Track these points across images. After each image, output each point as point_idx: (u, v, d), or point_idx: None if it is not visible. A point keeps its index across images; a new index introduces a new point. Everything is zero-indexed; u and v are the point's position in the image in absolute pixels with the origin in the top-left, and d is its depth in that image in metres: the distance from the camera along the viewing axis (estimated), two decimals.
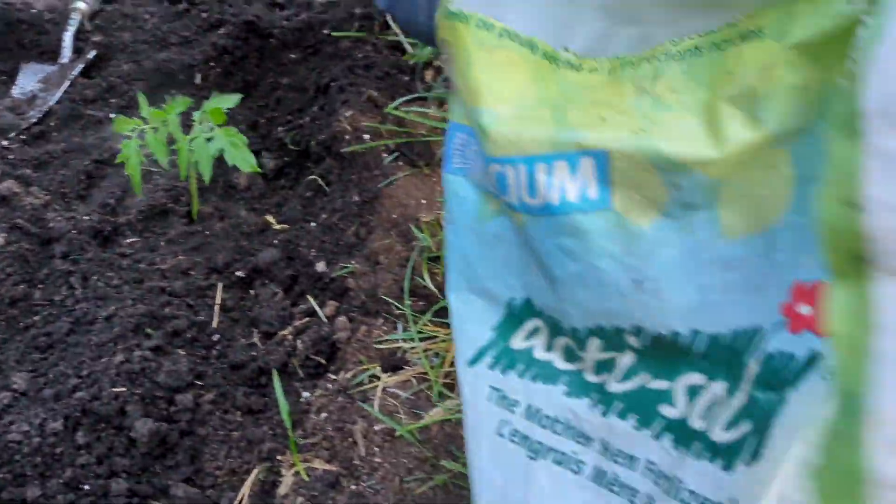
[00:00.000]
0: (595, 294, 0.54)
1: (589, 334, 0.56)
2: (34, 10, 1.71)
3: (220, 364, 1.01)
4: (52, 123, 1.48)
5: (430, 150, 1.26)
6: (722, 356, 0.50)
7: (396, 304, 1.03)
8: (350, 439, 0.90)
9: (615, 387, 0.56)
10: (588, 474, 0.56)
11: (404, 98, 1.34)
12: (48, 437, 0.88)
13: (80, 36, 1.66)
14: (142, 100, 1.18)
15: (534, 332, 0.61)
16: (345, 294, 1.08)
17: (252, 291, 1.13)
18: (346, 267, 1.10)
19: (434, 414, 0.91)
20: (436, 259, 1.08)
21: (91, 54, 1.62)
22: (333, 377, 0.97)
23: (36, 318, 1.07)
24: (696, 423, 0.51)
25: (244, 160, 1.13)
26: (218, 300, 1.10)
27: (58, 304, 1.08)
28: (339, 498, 0.84)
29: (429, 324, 1.00)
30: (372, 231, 1.14)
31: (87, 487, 0.85)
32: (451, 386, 0.94)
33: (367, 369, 0.96)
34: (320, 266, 1.13)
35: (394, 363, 0.97)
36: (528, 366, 0.60)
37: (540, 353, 0.60)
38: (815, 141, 0.43)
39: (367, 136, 1.28)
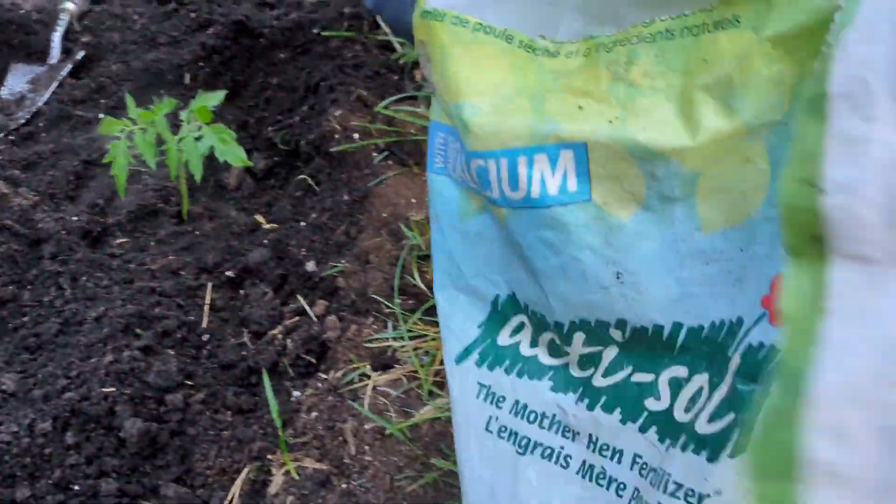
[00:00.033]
0: (576, 287, 0.54)
1: (573, 328, 0.57)
2: (22, 11, 1.70)
3: (210, 364, 1.01)
4: (40, 124, 1.48)
5: (419, 150, 1.26)
6: (704, 349, 0.50)
7: (386, 302, 1.04)
8: (340, 438, 0.90)
9: (600, 381, 0.56)
10: (576, 468, 0.57)
11: (394, 97, 1.34)
12: (37, 438, 0.88)
13: (68, 36, 1.65)
14: (129, 101, 1.18)
15: (519, 328, 0.61)
16: (335, 293, 1.08)
17: (242, 291, 1.13)
18: (335, 266, 1.10)
19: (424, 412, 0.91)
20: (425, 258, 1.08)
21: (80, 55, 1.61)
22: (324, 376, 0.97)
23: (25, 318, 1.07)
24: (681, 416, 0.51)
25: (235, 155, 1.13)
26: (208, 300, 1.10)
27: (47, 304, 1.08)
28: (330, 497, 0.84)
29: (419, 322, 1.01)
30: (362, 230, 1.14)
31: (76, 488, 0.85)
32: (441, 384, 0.94)
33: (358, 368, 0.96)
34: (310, 265, 1.13)
35: (384, 362, 0.97)
36: (515, 362, 0.61)
37: (526, 349, 0.61)
38: (790, 134, 0.43)
39: (356, 136, 1.28)
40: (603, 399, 0.55)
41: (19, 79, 1.58)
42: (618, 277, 0.52)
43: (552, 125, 0.53)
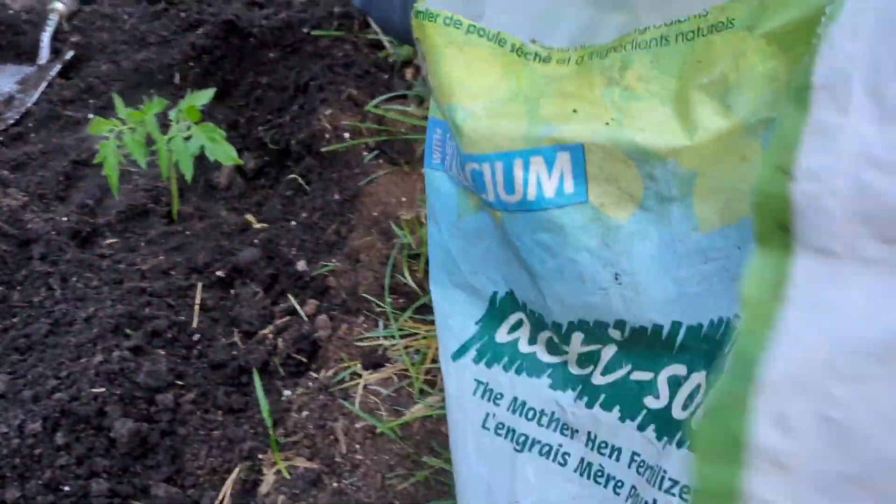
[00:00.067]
0: (574, 289, 0.54)
1: (571, 328, 0.56)
2: (11, 11, 1.70)
3: (201, 364, 1.01)
4: (29, 124, 1.47)
5: (410, 148, 1.26)
6: (702, 347, 0.50)
7: (377, 301, 1.04)
8: (331, 437, 0.90)
9: (599, 379, 0.56)
10: (574, 466, 0.57)
11: (384, 96, 1.34)
12: (27, 439, 0.87)
13: (57, 37, 1.65)
14: (118, 101, 1.17)
15: (517, 325, 0.61)
16: (325, 292, 1.08)
17: (232, 291, 1.13)
18: (326, 265, 1.10)
19: (415, 410, 0.91)
20: (416, 256, 1.08)
21: (69, 55, 1.61)
22: (315, 375, 0.97)
23: (14, 319, 1.06)
24: (679, 414, 0.51)
25: (225, 154, 1.12)
26: (198, 300, 1.10)
27: (36, 305, 1.08)
28: (321, 496, 0.84)
29: (409, 321, 1.01)
30: (352, 229, 1.14)
31: (66, 488, 0.85)
32: (432, 382, 0.94)
33: (349, 367, 0.96)
34: (301, 265, 1.13)
35: (375, 360, 0.97)
36: (513, 359, 0.61)
37: (524, 346, 0.61)
38: None
39: (347, 135, 1.28)
40: (602, 397, 0.55)
41: (8, 79, 1.57)
42: (616, 278, 0.52)
43: (547, 128, 0.53)
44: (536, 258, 0.55)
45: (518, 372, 0.60)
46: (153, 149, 1.17)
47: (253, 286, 1.12)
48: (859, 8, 0.36)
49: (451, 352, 0.63)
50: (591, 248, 0.53)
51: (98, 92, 1.54)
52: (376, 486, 0.85)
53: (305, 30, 1.52)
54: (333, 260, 1.10)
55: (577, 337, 0.56)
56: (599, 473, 0.55)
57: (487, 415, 0.61)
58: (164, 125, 1.19)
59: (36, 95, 1.52)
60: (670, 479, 0.50)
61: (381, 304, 1.03)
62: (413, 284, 1.05)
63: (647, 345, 0.53)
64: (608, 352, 0.55)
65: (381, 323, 1.02)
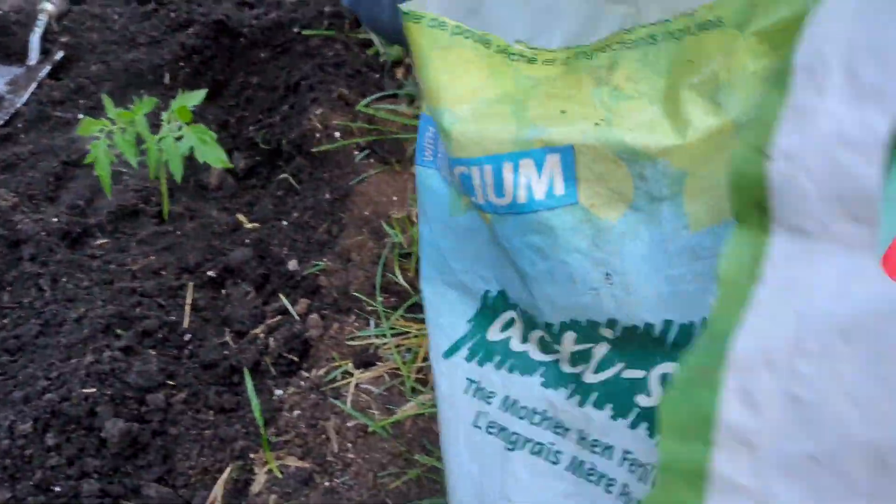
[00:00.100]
0: (565, 290, 0.54)
1: (563, 328, 0.56)
2: (0, 12, 1.69)
3: (192, 363, 1.01)
4: (19, 125, 1.47)
5: (401, 148, 1.26)
6: None
7: (368, 300, 1.04)
8: (323, 436, 0.90)
9: (591, 377, 0.56)
10: (565, 464, 0.57)
11: (375, 96, 1.35)
12: (17, 440, 0.87)
13: (47, 37, 1.64)
14: (107, 101, 1.17)
15: (509, 324, 0.61)
16: (317, 292, 1.08)
17: (224, 291, 1.13)
18: (317, 265, 1.09)
19: (407, 409, 0.91)
20: (407, 255, 1.08)
21: (59, 55, 1.60)
22: (306, 374, 0.97)
23: (5, 320, 1.06)
24: None
25: (215, 156, 1.12)
26: (189, 300, 1.09)
27: (27, 306, 1.08)
28: (313, 495, 0.84)
29: (400, 319, 1.01)
30: (343, 228, 1.14)
31: (57, 489, 0.85)
32: (424, 381, 0.94)
33: (340, 366, 0.96)
34: (292, 264, 1.13)
35: (366, 359, 0.97)
36: (505, 357, 0.60)
37: (517, 345, 0.60)
38: None
39: (337, 135, 1.28)
40: (594, 395, 0.55)
41: None
42: (607, 278, 0.52)
43: (536, 130, 0.52)
44: (527, 260, 0.55)
45: (510, 370, 0.60)
46: (143, 148, 1.17)
47: (244, 286, 1.12)
48: None
49: (442, 350, 0.63)
50: (581, 249, 0.52)
51: (88, 92, 1.53)
52: (368, 485, 0.85)
53: (296, 29, 1.52)
54: (325, 259, 1.10)
55: (569, 336, 0.56)
56: (591, 472, 0.55)
57: (479, 413, 0.61)
58: (155, 125, 1.19)
59: (25, 96, 1.51)
60: None
61: (373, 303, 1.03)
62: (404, 283, 1.05)
63: (638, 343, 0.53)
64: (600, 350, 0.55)
65: (372, 322, 1.02)
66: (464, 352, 0.62)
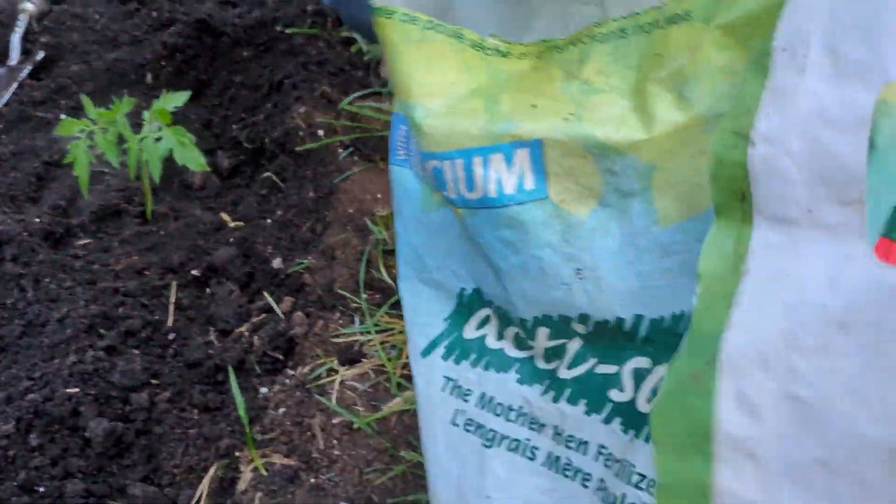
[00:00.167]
0: (538, 284, 0.54)
1: (536, 323, 0.56)
2: None
3: (176, 362, 1.01)
4: (0, 126, 1.46)
5: (384, 145, 1.26)
6: (665, 339, 0.50)
7: (353, 297, 1.04)
8: (308, 433, 0.90)
9: (565, 373, 0.56)
10: (542, 460, 0.57)
11: (358, 93, 1.34)
12: (0, 440, 0.87)
13: (28, 37, 1.63)
14: (86, 101, 1.17)
15: (485, 321, 0.61)
16: (301, 289, 1.08)
17: (208, 290, 1.13)
18: (302, 263, 1.09)
19: (392, 405, 0.91)
20: (391, 252, 1.08)
21: (39, 56, 1.60)
22: (291, 372, 0.97)
23: None
24: (644, 407, 0.51)
25: (193, 159, 1.12)
26: (173, 299, 1.09)
27: (9, 307, 1.07)
28: (299, 492, 0.84)
29: (385, 316, 1.01)
30: (328, 226, 1.14)
31: (42, 489, 0.84)
32: (409, 377, 0.94)
33: (325, 363, 0.96)
34: (276, 262, 1.13)
35: (351, 356, 0.98)
36: (481, 355, 0.61)
37: (492, 342, 0.60)
38: None
39: (321, 133, 1.28)
40: (568, 391, 0.56)
41: None
42: (578, 274, 0.52)
43: (507, 124, 0.52)
44: (499, 255, 0.55)
45: (486, 368, 0.60)
46: (124, 147, 1.16)
47: (229, 285, 1.11)
48: None
49: (420, 349, 0.63)
50: (552, 244, 0.53)
51: (69, 92, 1.53)
52: (354, 481, 0.85)
53: (279, 28, 1.52)
54: (309, 257, 1.10)
55: (543, 332, 0.56)
56: (567, 467, 0.55)
57: (456, 411, 0.61)
58: (137, 125, 1.18)
59: (6, 97, 1.50)
60: (639, 473, 0.50)
61: (357, 301, 1.03)
62: (389, 280, 1.05)
63: (610, 338, 0.53)
64: (573, 346, 0.55)
65: (356, 319, 1.02)
66: (441, 350, 0.62)
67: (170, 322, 1.06)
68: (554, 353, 0.57)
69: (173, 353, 1.02)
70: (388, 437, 0.89)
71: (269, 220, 1.23)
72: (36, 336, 1.01)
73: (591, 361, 0.54)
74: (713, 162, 0.36)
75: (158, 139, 1.14)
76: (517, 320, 0.58)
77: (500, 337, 0.60)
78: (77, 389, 0.91)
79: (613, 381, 0.53)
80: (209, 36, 1.53)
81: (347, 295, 1.04)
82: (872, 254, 0.33)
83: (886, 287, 0.31)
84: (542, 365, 0.57)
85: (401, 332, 0.99)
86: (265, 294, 1.08)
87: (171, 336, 1.04)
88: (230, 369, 0.97)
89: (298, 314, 1.03)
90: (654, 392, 0.51)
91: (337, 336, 1.00)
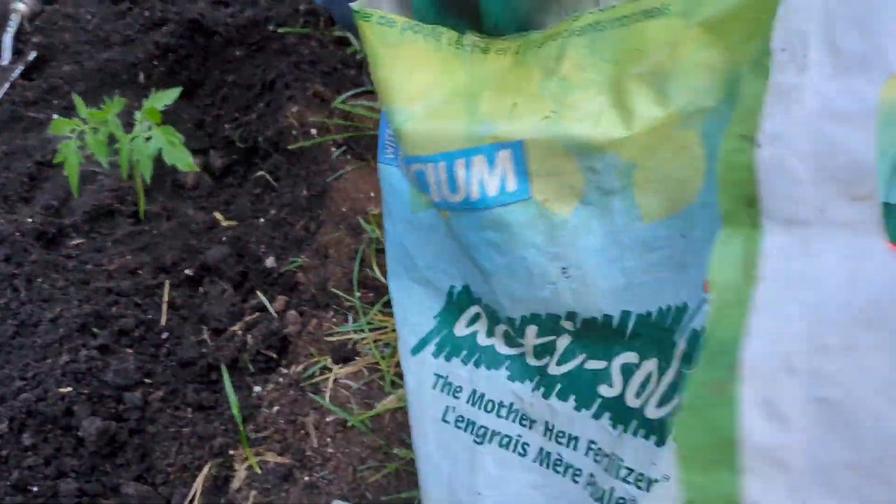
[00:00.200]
0: (524, 285, 0.54)
1: (525, 322, 0.57)
2: None
3: (170, 361, 1.00)
4: None
5: (377, 144, 1.26)
6: (652, 335, 0.51)
7: (346, 296, 1.04)
8: (302, 431, 0.90)
9: (555, 369, 0.56)
10: (533, 456, 0.57)
11: (351, 92, 1.34)
12: None
13: (19, 37, 1.63)
14: (78, 101, 1.17)
15: (475, 319, 0.61)
16: (294, 288, 1.08)
17: (201, 289, 1.12)
18: (295, 261, 1.09)
19: (386, 403, 0.91)
20: (384, 251, 1.09)
21: (31, 56, 1.59)
22: (285, 371, 0.97)
23: None
24: (632, 401, 0.52)
25: (181, 159, 1.13)
26: (166, 298, 1.09)
27: (2, 307, 1.07)
28: (293, 490, 0.84)
29: (379, 314, 1.01)
30: (321, 225, 1.14)
31: (35, 489, 0.84)
32: (403, 375, 0.94)
33: (319, 362, 0.97)
34: (270, 261, 1.13)
35: (345, 355, 0.98)
36: (472, 352, 0.61)
37: (483, 339, 0.61)
38: (722, 119, 0.43)
39: (314, 131, 1.28)
40: (558, 387, 0.56)
41: None
42: (564, 272, 0.52)
43: (488, 126, 0.53)
44: (485, 256, 0.55)
45: (477, 365, 0.60)
46: (116, 147, 1.16)
47: (222, 284, 1.11)
48: None
49: (410, 346, 0.64)
50: (537, 245, 0.53)
51: (61, 93, 1.52)
52: (348, 479, 0.85)
53: (271, 27, 1.52)
54: (302, 256, 1.10)
55: (532, 330, 0.57)
56: (558, 462, 0.56)
57: (447, 408, 0.61)
58: (130, 125, 1.18)
59: None
60: (626, 467, 0.50)
61: (351, 299, 1.03)
62: (382, 278, 1.05)
63: (599, 334, 0.53)
64: (563, 342, 0.56)
65: (350, 317, 1.02)
66: (431, 347, 0.62)
67: (163, 321, 1.06)
68: (543, 350, 0.57)
69: (167, 353, 1.02)
70: (382, 434, 0.89)
71: (262, 219, 1.23)
72: (29, 336, 1.01)
73: (581, 357, 0.55)
74: (721, 169, 0.36)
75: (149, 138, 1.14)
76: (505, 319, 0.58)
77: (491, 334, 0.60)
78: (70, 389, 0.91)
79: (602, 376, 0.53)
80: (201, 35, 1.53)
81: (341, 293, 1.04)
82: (890, 247, 0.32)
83: None
84: (532, 361, 0.58)
85: (394, 331, 0.99)
86: (258, 293, 1.08)
87: (165, 335, 1.04)
88: (223, 368, 0.97)
89: (292, 313, 1.03)
90: (643, 387, 0.51)
91: (330, 334, 1.00)
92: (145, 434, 0.92)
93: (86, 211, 1.24)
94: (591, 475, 0.53)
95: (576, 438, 0.55)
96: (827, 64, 0.34)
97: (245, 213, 1.25)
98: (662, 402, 0.49)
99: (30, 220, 1.21)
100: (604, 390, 0.53)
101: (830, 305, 0.32)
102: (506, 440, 0.58)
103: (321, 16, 1.53)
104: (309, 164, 1.24)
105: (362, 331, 0.99)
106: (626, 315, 0.51)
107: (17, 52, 1.61)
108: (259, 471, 0.86)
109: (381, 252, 1.09)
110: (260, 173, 1.29)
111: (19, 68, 1.56)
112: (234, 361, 1.00)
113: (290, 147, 1.27)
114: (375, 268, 1.06)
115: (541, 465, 0.57)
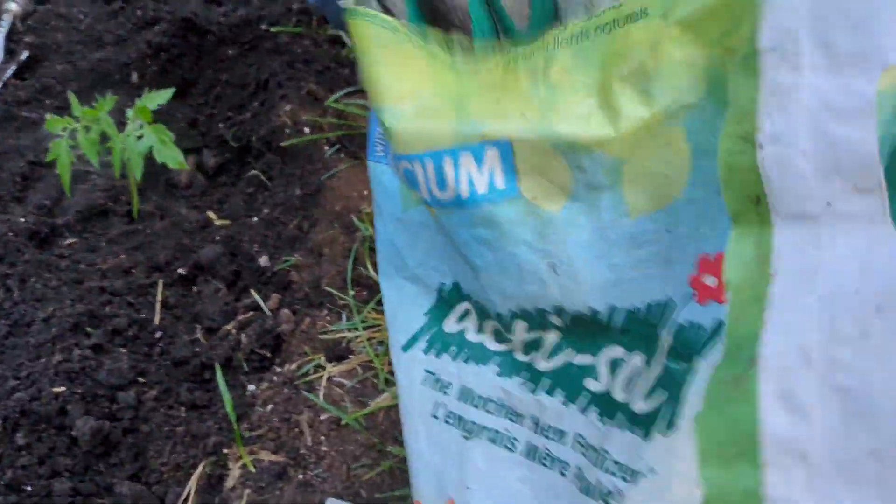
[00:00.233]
0: (514, 281, 0.55)
1: (513, 318, 0.57)
2: None
3: (163, 361, 1.01)
4: None
5: None
6: (639, 329, 0.51)
7: (340, 294, 1.04)
8: (296, 430, 0.90)
9: (543, 364, 0.57)
10: (521, 451, 0.57)
11: (344, 91, 1.35)
12: None
13: (11, 37, 1.62)
14: (73, 99, 1.16)
15: (465, 315, 0.62)
16: (288, 287, 1.08)
17: (195, 288, 1.13)
18: (288, 260, 1.10)
19: (380, 400, 0.92)
20: None
21: (24, 56, 1.59)
22: (278, 369, 0.98)
23: None
24: (619, 396, 0.52)
25: (172, 157, 1.13)
26: (159, 297, 1.09)
27: None
28: (287, 488, 0.85)
29: (372, 312, 1.01)
30: (314, 224, 1.15)
31: (29, 488, 0.84)
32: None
33: (312, 360, 0.97)
34: (263, 260, 1.13)
35: (338, 353, 0.98)
36: (461, 348, 0.61)
37: (472, 336, 0.61)
38: (705, 114, 0.44)
39: (307, 130, 1.28)
40: (546, 382, 0.56)
41: None
42: (553, 268, 0.53)
43: (476, 125, 0.53)
44: (475, 253, 0.56)
45: (466, 361, 0.60)
46: (108, 146, 1.16)
47: (215, 283, 1.11)
48: None
49: (400, 343, 0.64)
50: (528, 241, 0.53)
51: (54, 92, 1.52)
52: (342, 477, 0.85)
53: (264, 26, 1.52)
54: (296, 254, 1.10)
55: (520, 325, 0.57)
56: (546, 456, 0.56)
57: (437, 404, 0.61)
58: (123, 124, 1.18)
59: None
60: (613, 460, 0.50)
61: (344, 297, 1.03)
62: (375, 277, 1.05)
63: (586, 329, 0.54)
64: (551, 338, 0.56)
65: (344, 315, 1.02)
66: (421, 344, 0.62)
67: (156, 320, 1.06)
68: (532, 346, 0.57)
69: (160, 352, 1.02)
70: (376, 432, 0.89)
71: (255, 218, 1.23)
72: (22, 335, 1.01)
73: (568, 353, 0.55)
74: (724, 171, 0.36)
75: (140, 137, 1.14)
76: (494, 315, 0.58)
77: (480, 330, 0.61)
78: (64, 388, 0.91)
79: (590, 371, 0.54)
80: (194, 35, 1.53)
81: (334, 292, 1.04)
82: None
83: None
84: (520, 357, 0.58)
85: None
86: (252, 292, 1.08)
87: (158, 334, 1.04)
88: (217, 367, 0.98)
89: (285, 311, 1.03)
90: (630, 381, 0.51)
91: (324, 333, 1.00)
92: (139, 433, 0.92)
93: (79, 210, 1.24)
94: (579, 468, 0.53)
95: (563, 433, 0.55)
96: (821, 61, 0.34)
97: (238, 212, 1.25)
98: (648, 396, 0.50)
99: (23, 219, 1.21)
100: (591, 385, 0.54)
101: (844, 295, 0.32)
102: (494, 435, 0.58)
103: (314, 15, 1.53)
104: (302, 163, 1.24)
105: (356, 329, 1.00)
106: (613, 310, 0.52)
107: (10, 52, 1.60)
108: (253, 469, 0.86)
109: (374, 250, 1.09)
110: (253, 172, 1.29)
111: (12, 68, 1.56)
112: (228, 360, 1.00)
113: (283, 146, 1.27)
114: (369, 266, 1.06)
115: (529, 459, 0.57)
